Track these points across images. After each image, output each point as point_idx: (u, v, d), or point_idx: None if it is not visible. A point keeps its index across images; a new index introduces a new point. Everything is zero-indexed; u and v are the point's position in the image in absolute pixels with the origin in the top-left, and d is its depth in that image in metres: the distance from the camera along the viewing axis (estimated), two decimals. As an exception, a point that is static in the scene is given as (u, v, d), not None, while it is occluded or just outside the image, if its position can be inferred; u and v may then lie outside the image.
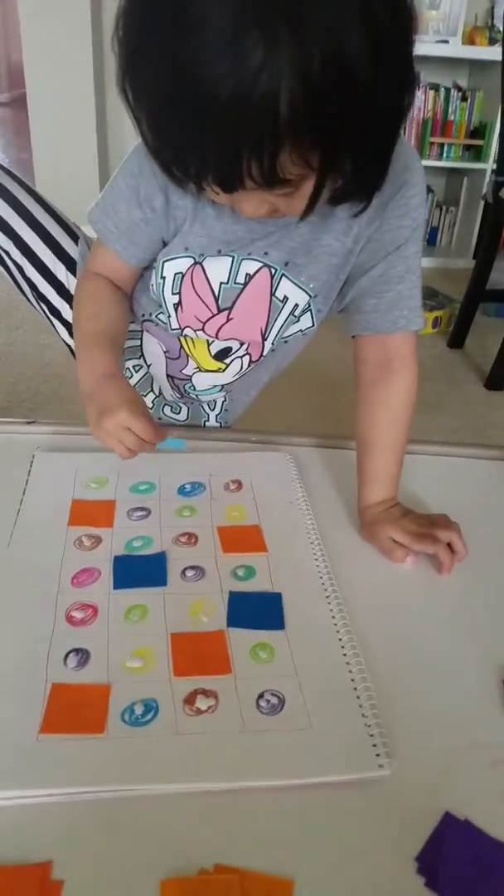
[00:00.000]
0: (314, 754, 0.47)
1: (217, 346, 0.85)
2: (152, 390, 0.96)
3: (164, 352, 0.90)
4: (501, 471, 0.85)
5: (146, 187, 0.72)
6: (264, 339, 0.83)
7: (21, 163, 4.49)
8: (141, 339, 0.91)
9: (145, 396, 0.93)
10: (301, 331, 0.84)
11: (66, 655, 0.54)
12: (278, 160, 0.50)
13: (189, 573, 0.63)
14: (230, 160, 0.51)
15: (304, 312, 0.80)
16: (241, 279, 0.77)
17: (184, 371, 0.90)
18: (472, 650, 0.58)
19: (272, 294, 0.78)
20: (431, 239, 3.54)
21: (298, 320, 0.81)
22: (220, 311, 0.79)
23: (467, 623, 0.61)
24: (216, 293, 0.78)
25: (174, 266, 0.77)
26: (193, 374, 0.90)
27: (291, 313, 0.80)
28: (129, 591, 0.61)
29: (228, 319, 0.80)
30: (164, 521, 0.70)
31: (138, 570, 0.63)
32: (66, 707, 0.49)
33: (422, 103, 3.10)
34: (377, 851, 0.42)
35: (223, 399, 0.94)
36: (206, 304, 0.79)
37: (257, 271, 0.76)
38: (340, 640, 0.56)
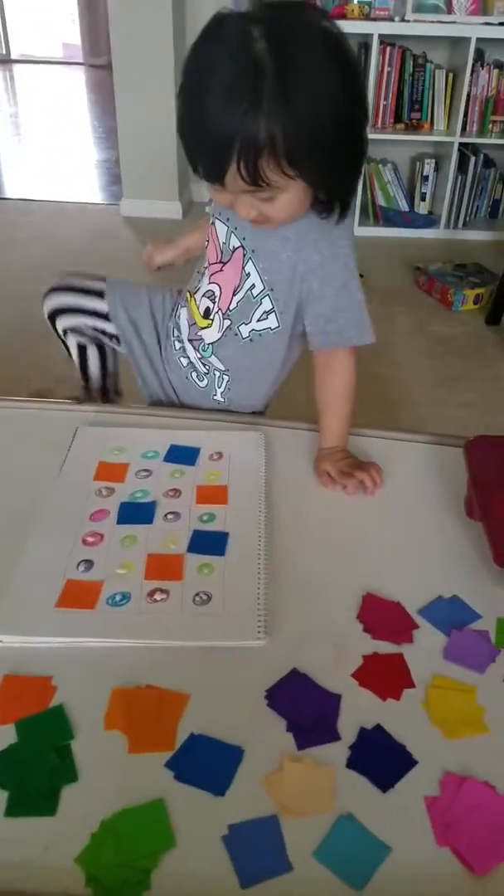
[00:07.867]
0: (219, 628, 0.75)
1: (203, 305, 1.15)
2: (186, 356, 1.23)
3: (186, 319, 1.21)
4: (431, 454, 1.08)
5: None
6: (234, 295, 1.11)
7: (111, 131, 4.77)
8: (177, 315, 1.23)
9: (182, 359, 1.24)
10: (270, 329, 1.10)
11: (78, 564, 0.83)
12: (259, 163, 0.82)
13: (169, 517, 0.91)
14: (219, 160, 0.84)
15: (268, 309, 1.08)
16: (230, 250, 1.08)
17: (195, 331, 1.19)
18: (343, 573, 0.84)
19: (242, 268, 1.08)
20: (494, 212, 3.61)
21: (264, 315, 1.09)
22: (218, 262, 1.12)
23: (347, 556, 0.87)
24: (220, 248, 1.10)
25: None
26: (200, 332, 1.18)
27: (249, 290, 1.08)
28: (127, 526, 0.90)
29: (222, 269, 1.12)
30: (160, 480, 0.98)
31: (135, 513, 0.92)
32: (73, 593, 0.79)
33: (486, 82, 3.17)
34: (244, 684, 0.71)
35: (227, 379, 1.20)
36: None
37: (236, 248, 1.07)
38: (259, 564, 0.84)
